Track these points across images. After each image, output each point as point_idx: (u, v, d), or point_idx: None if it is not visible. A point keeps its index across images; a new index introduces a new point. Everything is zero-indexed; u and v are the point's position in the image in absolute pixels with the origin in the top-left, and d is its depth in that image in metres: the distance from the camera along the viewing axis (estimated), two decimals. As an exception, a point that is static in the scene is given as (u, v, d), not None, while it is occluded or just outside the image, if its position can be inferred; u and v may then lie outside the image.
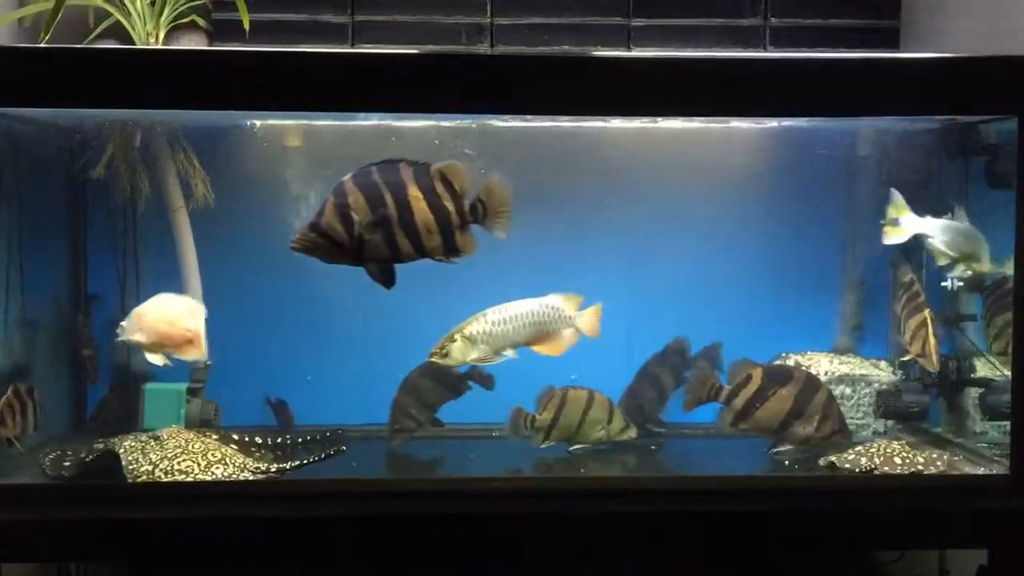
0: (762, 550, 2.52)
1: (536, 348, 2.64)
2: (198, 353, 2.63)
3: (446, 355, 2.60)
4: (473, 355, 2.60)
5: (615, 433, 2.70)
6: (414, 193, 2.27)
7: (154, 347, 2.61)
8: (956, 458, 2.62)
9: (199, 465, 2.40)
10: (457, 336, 2.59)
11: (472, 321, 2.61)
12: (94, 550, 2.34)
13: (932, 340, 2.68)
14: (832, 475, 2.50)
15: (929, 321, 2.69)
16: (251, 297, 2.84)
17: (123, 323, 2.61)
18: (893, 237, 2.71)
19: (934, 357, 2.68)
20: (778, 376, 2.64)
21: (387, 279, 2.31)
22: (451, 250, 2.31)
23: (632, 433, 2.72)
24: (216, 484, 2.38)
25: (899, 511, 2.34)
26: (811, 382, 2.64)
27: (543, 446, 2.68)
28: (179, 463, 2.40)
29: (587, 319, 2.66)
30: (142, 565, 2.72)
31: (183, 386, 2.74)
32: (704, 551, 2.38)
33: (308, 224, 2.26)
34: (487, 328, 2.59)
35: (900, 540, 2.46)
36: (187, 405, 2.72)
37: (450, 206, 2.29)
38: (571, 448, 2.70)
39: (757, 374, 2.62)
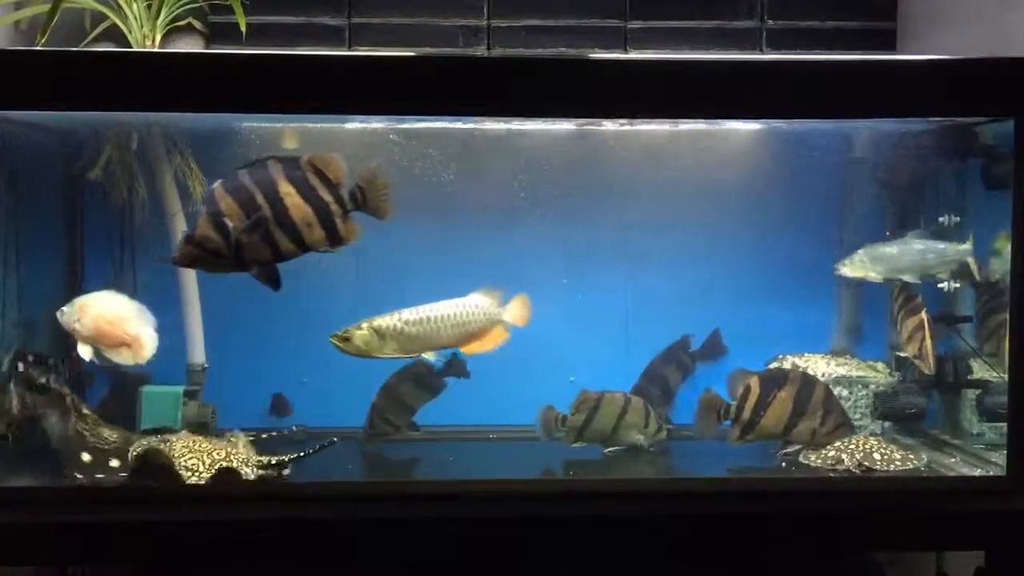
0: (759, 551, 2.52)
1: (465, 349, 2.62)
2: (132, 359, 2.61)
3: (346, 340, 2.55)
4: (379, 349, 2.56)
5: (651, 436, 2.72)
6: (286, 189, 2.24)
7: (87, 340, 2.59)
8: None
9: (204, 463, 2.41)
10: (364, 325, 2.56)
11: (386, 316, 2.57)
12: (90, 553, 2.34)
13: (928, 342, 2.69)
14: (830, 476, 2.50)
15: (926, 322, 2.70)
16: (248, 300, 2.83)
17: (65, 307, 2.60)
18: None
19: (930, 359, 2.69)
20: (775, 380, 2.65)
21: (272, 281, 2.30)
22: (335, 240, 2.30)
23: (663, 435, 2.74)
24: (213, 486, 2.38)
25: (896, 512, 2.35)
26: (808, 381, 2.65)
27: (574, 446, 2.69)
28: (187, 460, 2.42)
29: (514, 311, 2.64)
30: (141, 567, 2.71)
31: (180, 389, 2.75)
32: (702, 553, 2.38)
33: (184, 237, 2.25)
34: (397, 326, 2.56)
35: (898, 541, 2.46)
36: (184, 407, 2.72)
37: (327, 196, 2.27)
38: (606, 450, 2.71)
39: (755, 383, 2.63)
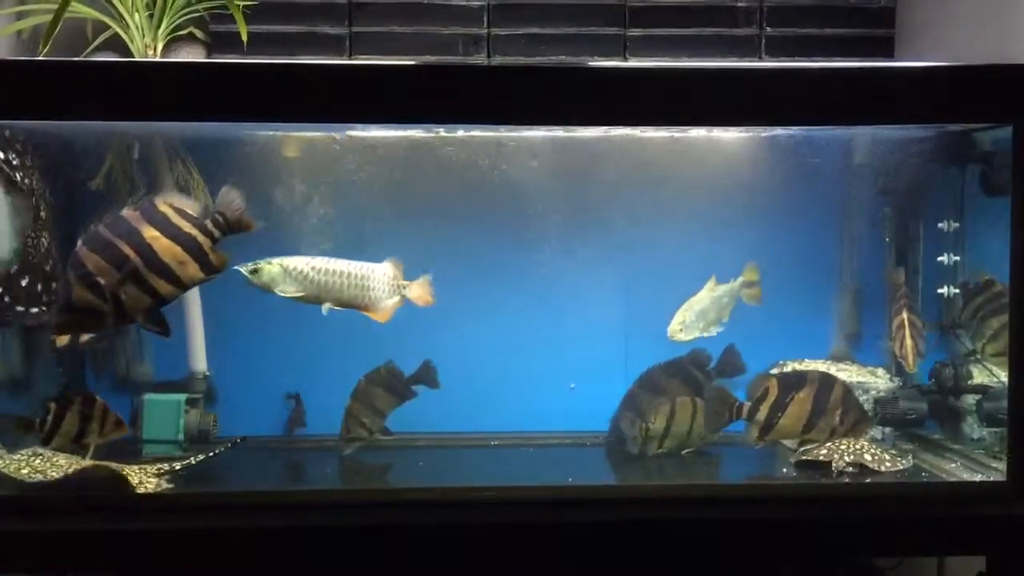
0: (762, 557, 2.52)
1: (367, 313, 2.64)
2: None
3: (254, 272, 2.57)
4: (282, 287, 2.58)
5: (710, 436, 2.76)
6: (151, 233, 2.24)
7: None
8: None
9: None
10: (275, 262, 2.58)
11: (297, 258, 2.60)
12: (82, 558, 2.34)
13: (909, 341, 2.72)
14: (831, 482, 2.50)
15: (907, 322, 2.72)
16: (248, 306, 2.84)
17: None
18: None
19: (910, 358, 2.72)
20: (794, 382, 2.65)
21: (160, 327, 2.30)
22: (209, 270, 2.30)
23: (717, 435, 2.77)
24: (203, 495, 2.40)
25: (898, 518, 2.35)
26: (826, 379, 2.66)
27: (654, 453, 2.72)
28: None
29: (417, 289, 2.67)
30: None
31: (182, 397, 2.75)
32: (702, 558, 2.38)
33: (60, 307, 2.24)
34: (305, 270, 2.58)
35: (899, 547, 2.46)
36: (185, 415, 2.72)
37: (192, 231, 2.28)
38: (683, 452, 2.74)
39: (773, 385, 2.63)
